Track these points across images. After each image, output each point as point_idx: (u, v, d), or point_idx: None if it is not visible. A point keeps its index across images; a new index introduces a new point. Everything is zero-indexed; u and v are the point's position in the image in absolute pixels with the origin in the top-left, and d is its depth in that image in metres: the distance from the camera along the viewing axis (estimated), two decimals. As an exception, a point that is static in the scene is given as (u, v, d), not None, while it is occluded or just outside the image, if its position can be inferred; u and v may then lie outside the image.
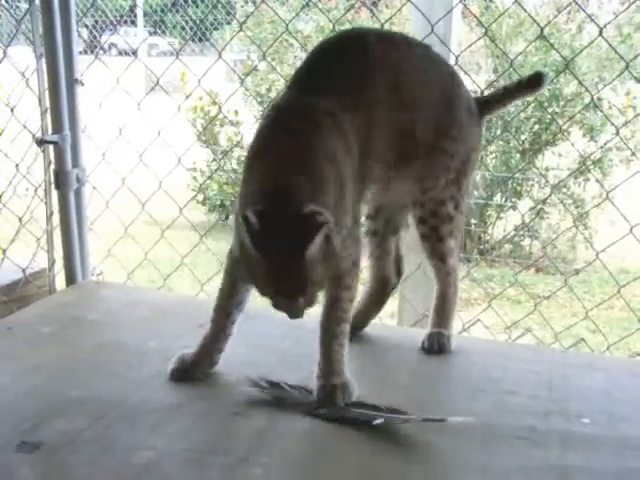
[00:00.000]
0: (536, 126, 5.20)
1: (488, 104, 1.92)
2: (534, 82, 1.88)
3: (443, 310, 1.96)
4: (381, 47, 1.71)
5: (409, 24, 2.97)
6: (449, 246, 1.89)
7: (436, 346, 1.93)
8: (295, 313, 1.50)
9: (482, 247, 5.46)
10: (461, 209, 1.89)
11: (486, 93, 2.08)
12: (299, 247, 1.40)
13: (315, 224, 1.40)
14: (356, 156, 1.61)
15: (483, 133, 1.95)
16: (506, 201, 5.40)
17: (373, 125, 1.65)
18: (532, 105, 4.76)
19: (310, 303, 1.51)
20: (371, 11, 4.18)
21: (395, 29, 4.99)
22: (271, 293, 1.49)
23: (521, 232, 5.27)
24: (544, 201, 5.04)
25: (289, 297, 1.48)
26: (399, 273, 2.04)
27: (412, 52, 1.78)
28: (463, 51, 2.30)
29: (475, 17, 2.44)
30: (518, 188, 5.36)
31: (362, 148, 1.62)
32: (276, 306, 1.51)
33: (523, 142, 5.21)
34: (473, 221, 5.39)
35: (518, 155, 5.29)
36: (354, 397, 1.61)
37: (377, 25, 2.58)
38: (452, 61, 2.27)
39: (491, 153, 5.35)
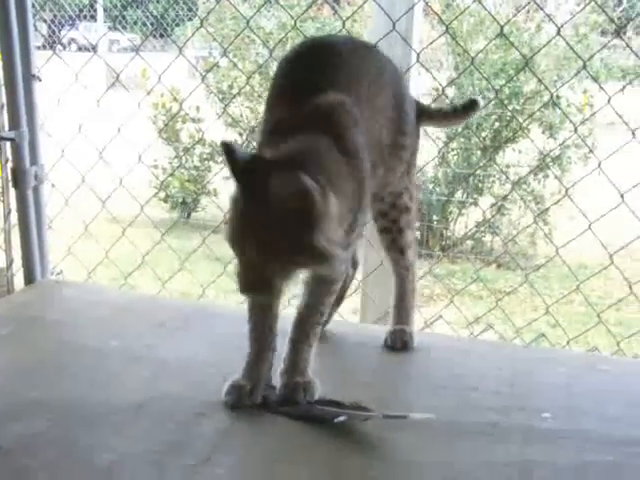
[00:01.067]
0: (497, 123, 5.26)
1: (423, 112, 1.94)
2: (469, 108, 1.95)
3: (404, 306, 1.98)
4: (348, 54, 1.72)
5: (371, 21, 2.97)
6: (408, 238, 1.93)
7: (399, 343, 1.94)
8: (249, 287, 1.43)
9: (444, 243, 5.51)
10: (414, 199, 1.94)
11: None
12: (264, 198, 1.35)
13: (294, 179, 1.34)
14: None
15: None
16: (467, 197, 5.45)
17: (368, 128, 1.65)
18: (493, 102, 4.82)
19: (270, 278, 1.43)
20: (333, 8, 4.17)
21: (357, 26, 5.02)
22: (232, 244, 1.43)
23: (482, 228, 5.32)
24: (505, 197, 5.10)
25: (242, 251, 1.41)
26: (355, 265, 2.05)
27: (369, 54, 1.80)
28: (424, 48, 2.31)
29: (436, 14, 2.45)
30: (479, 185, 5.42)
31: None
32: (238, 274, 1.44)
33: (484, 139, 5.26)
34: (435, 217, 5.43)
35: (479, 152, 5.34)
36: (316, 395, 1.61)
37: (339, 22, 2.58)
38: (413, 58, 2.28)
39: (452, 150, 5.39)
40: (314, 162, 1.43)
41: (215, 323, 2.11)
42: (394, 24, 2.18)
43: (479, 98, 1.92)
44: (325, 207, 1.38)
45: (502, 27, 2.23)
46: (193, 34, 3.79)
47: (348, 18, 2.46)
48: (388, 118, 1.76)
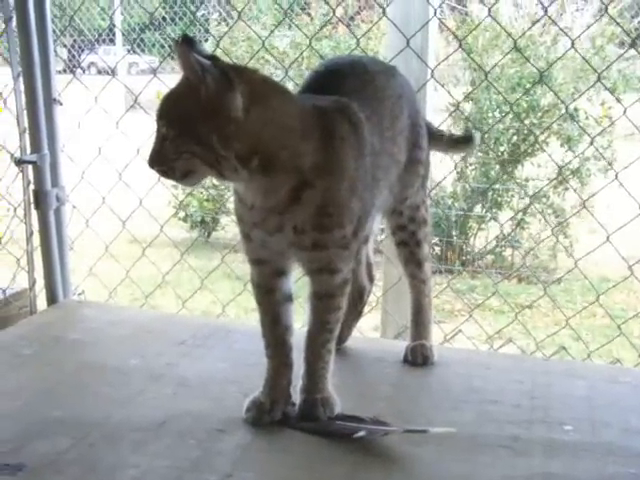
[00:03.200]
0: (514, 137, 5.25)
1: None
2: (468, 139, 2.03)
3: (422, 320, 1.98)
4: (375, 74, 1.77)
5: (385, 39, 2.99)
6: (425, 251, 1.95)
7: (420, 358, 1.95)
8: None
9: (464, 258, 5.48)
10: (429, 212, 1.98)
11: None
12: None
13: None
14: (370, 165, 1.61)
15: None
16: (486, 212, 5.44)
17: (382, 140, 1.68)
18: (510, 116, 4.81)
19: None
20: (347, 26, 4.21)
21: (372, 44, 5.05)
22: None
23: (502, 242, 5.30)
24: (524, 211, 5.08)
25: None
26: (371, 279, 2.07)
27: (392, 76, 1.83)
28: (438, 65, 2.32)
29: (450, 31, 2.46)
30: (498, 199, 5.40)
31: (374, 160, 1.63)
32: None
33: (502, 153, 5.25)
34: (454, 232, 5.42)
35: (497, 166, 5.33)
36: (336, 411, 1.61)
37: (354, 40, 2.59)
38: (428, 75, 2.29)
39: (471, 164, 5.39)
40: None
41: (235, 340, 2.13)
42: (408, 41, 2.19)
43: (477, 134, 2.00)
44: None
45: (515, 41, 2.24)
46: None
47: (363, 35, 2.47)
48: (405, 136, 1.79)
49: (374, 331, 3.07)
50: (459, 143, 2.05)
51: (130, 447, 1.55)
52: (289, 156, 1.46)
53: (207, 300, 3.61)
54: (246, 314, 3.81)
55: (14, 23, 2.39)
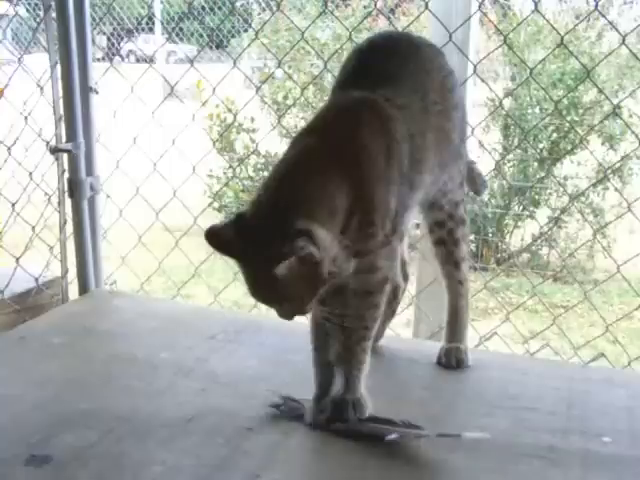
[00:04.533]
0: (554, 134, 5.15)
1: None
2: (479, 191, 2.05)
3: (457, 323, 1.93)
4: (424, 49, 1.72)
5: (426, 32, 2.94)
6: (463, 251, 1.88)
7: (454, 362, 1.90)
8: (281, 316, 1.43)
9: (499, 256, 5.41)
10: (467, 212, 1.91)
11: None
12: (268, 264, 1.31)
13: (292, 248, 1.29)
14: (406, 159, 1.55)
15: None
16: (524, 210, 5.35)
17: (425, 128, 1.62)
18: (550, 113, 4.72)
19: (297, 312, 1.42)
20: (388, 19, 4.15)
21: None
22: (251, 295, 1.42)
23: (539, 241, 5.22)
24: (563, 211, 4.99)
25: (265, 304, 1.43)
26: (406, 277, 2.02)
27: (431, 47, 1.78)
28: (481, 60, 2.26)
29: (493, 25, 2.40)
30: (536, 197, 5.31)
31: (411, 152, 1.56)
32: None
33: (541, 150, 5.16)
34: (490, 230, 5.35)
35: (536, 164, 5.24)
36: (367, 413, 1.57)
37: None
38: (470, 70, 2.24)
39: (509, 162, 5.31)
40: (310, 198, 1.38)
41: (266, 336, 2.10)
42: (450, 35, 2.14)
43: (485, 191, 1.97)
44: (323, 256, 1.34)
45: (562, 37, 2.16)
46: (248, 46, 3.80)
47: (404, 29, 2.42)
48: (459, 117, 1.75)
49: (406, 327, 3.02)
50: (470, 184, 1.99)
51: (157, 443, 1.53)
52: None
53: (239, 292, 3.60)
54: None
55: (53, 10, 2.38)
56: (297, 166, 1.44)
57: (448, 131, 1.71)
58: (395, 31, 1.88)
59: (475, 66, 2.22)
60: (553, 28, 3.29)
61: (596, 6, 2.04)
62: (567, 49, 3.46)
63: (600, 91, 4.05)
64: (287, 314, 1.42)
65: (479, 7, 2.28)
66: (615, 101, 4.57)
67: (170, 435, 1.56)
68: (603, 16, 3.57)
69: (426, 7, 2.19)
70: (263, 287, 1.38)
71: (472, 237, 5.09)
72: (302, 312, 1.44)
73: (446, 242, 1.86)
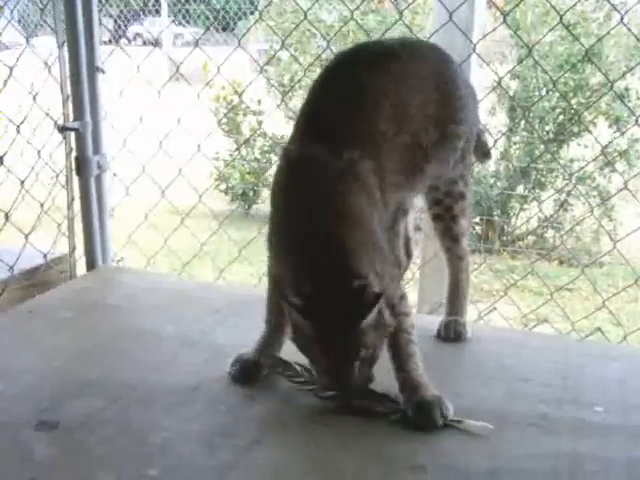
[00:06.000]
0: (561, 116, 5.15)
1: None
2: (486, 154, 2.04)
3: (457, 297, 1.97)
4: (378, 69, 1.67)
5: (432, 13, 2.95)
6: (462, 225, 1.92)
7: (453, 334, 1.95)
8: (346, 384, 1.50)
9: (504, 238, 5.43)
10: (469, 186, 1.93)
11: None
12: (354, 322, 1.41)
13: (369, 299, 1.41)
14: (378, 197, 1.59)
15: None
16: (529, 192, 5.36)
17: (387, 156, 1.62)
18: (557, 95, 4.72)
19: (366, 379, 1.51)
20: (394, 1, 4.16)
21: (418, 19, 4.99)
22: (326, 364, 1.49)
23: (544, 224, 5.23)
24: (568, 193, 4.99)
25: (343, 365, 1.47)
26: (409, 254, 2.04)
27: (404, 59, 1.72)
28: (479, 40, 2.27)
29: (495, 6, 2.42)
30: (542, 179, 5.31)
31: (380, 185, 1.60)
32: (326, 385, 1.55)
33: (547, 132, 5.16)
34: (495, 212, 5.36)
35: (542, 146, 5.24)
36: (451, 412, 1.55)
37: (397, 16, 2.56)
38: (470, 50, 2.25)
39: (515, 144, 5.31)
40: (351, 257, 1.46)
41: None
42: (450, 15, 2.16)
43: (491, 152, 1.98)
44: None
45: (561, 16, 2.18)
46: (250, 27, 3.81)
47: (406, 8, 2.44)
48: (430, 114, 1.71)
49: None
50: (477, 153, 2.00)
51: (162, 410, 1.58)
52: None
53: (245, 272, 3.64)
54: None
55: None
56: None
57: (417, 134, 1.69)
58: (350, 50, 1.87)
59: (474, 46, 2.22)
60: (553, 8, 3.27)
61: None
62: (568, 30, 3.45)
63: (601, 72, 4.04)
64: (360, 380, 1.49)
65: (481, -14, 2.28)
66: (623, 83, 4.55)
67: (175, 403, 1.62)
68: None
69: (429, -13, 2.21)
70: (344, 348, 1.45)
71: (477, 219, 5.10)
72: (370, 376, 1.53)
73: (444, 217, 1.91)
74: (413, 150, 1.68)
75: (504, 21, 2.16)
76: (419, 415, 1.53)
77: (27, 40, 2.53)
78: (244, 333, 1.96)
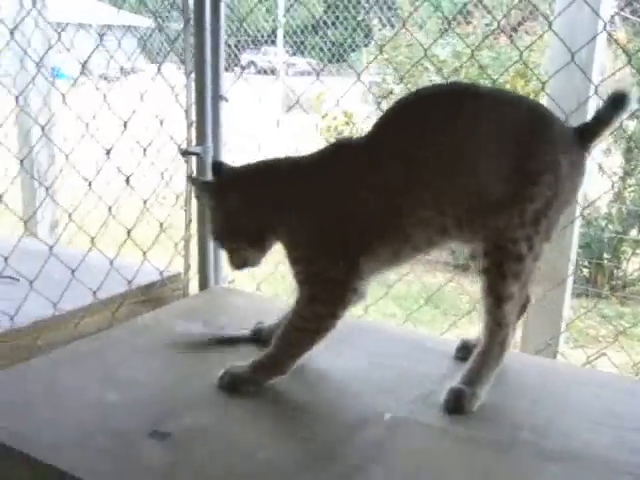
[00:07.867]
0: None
1: (583, 133, 1.75)
2: (618, 101, 1.76)
3: (478, 369, 1.75)
4: (441, 115, 1.69)
5: (548, 51, 2.93)
6: (510, 289, 1.68)
7: (451, 405, 1.71)
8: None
9: (614, 283, 5.26)
10: (535, 252, 1.68)
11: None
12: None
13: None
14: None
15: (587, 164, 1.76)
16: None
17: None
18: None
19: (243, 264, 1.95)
20: (510, 37, 4.15)
21: (534, 56, 4.95)
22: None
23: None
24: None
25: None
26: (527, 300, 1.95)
27: (478, 111, 1.67)
28: (602, 81, 2.24)
29: (619, 45, 2.37)
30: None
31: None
32: None
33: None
34: (606, 256, 5.21)
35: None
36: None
37: (516, 52, 2.56)
38: (591, 91, 2.22)
39: (629, 186, 5.17)
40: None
41: (370, 339, 2.17)
42: (573, 55, 2.13)
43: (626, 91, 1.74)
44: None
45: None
46: (372, 61, 3.88)
47: (526, 48, 2.44)
48: (498, 174, 1.65)
49: (513, 348, 3.01)
50: (615, 101, 1.76)
51: (267, 429, 1.63)
52: None
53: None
54: (384, 317, 3.87)
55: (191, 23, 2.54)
56: None
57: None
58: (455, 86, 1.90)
59: (597, 87, 2.20)
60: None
61: None
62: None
63: None
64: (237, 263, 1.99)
65: (604, 26, 2.25)
66: None
67: (279, 422, 1.67)
68: None
69: (549, 26, 2.20)
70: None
71: (586, 262, 4.98)
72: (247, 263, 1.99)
73: (490, 271, 1.69)
74: (471, 198, 1.71)
75: (629, 62, 2.12)
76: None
77: (159, 69, 2.66)
78: (349, 360, 1.99)
